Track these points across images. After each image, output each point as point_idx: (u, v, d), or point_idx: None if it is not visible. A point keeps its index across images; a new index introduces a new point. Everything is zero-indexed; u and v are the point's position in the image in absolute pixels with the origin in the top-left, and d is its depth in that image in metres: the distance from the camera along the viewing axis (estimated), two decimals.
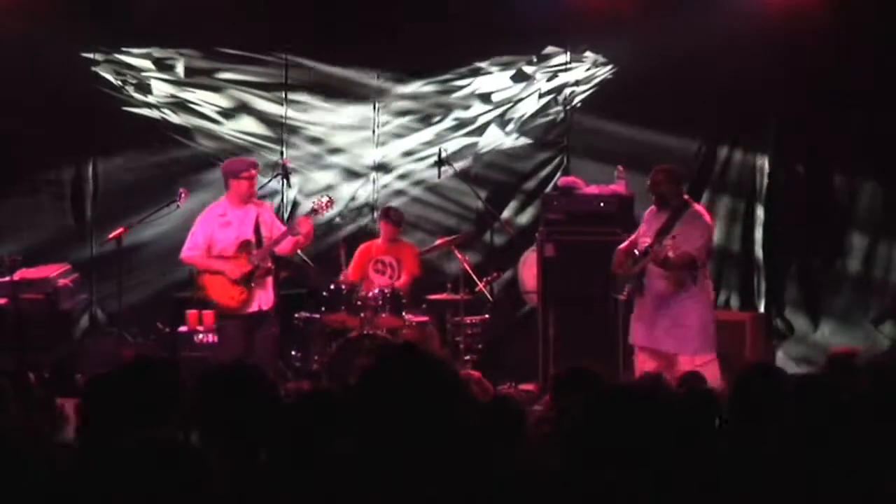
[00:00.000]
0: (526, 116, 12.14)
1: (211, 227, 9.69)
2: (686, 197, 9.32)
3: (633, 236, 9.54)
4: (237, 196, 9.67)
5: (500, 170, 12.20)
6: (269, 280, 9.76)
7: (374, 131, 12.30)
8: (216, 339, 10.61)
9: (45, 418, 5.68)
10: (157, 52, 12.24)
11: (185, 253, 9.79)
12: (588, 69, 12.02)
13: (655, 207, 9.34)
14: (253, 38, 12.18)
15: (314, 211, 9.89)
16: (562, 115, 12.09)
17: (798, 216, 11.63)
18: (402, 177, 12.34)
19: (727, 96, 11.46)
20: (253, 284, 9.61)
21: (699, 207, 9.32)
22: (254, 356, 9.50)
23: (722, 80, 11.37)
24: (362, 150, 12.38)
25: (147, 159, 12.23)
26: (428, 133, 12.30)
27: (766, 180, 11.67)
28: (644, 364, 9.20)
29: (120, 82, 12.24)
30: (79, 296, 11.82)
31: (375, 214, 12.07)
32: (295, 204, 12.12)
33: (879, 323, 11.46)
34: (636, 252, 9.21)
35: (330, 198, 10.09)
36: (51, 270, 11.30)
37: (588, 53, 11.95)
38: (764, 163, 11.70)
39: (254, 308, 9.64)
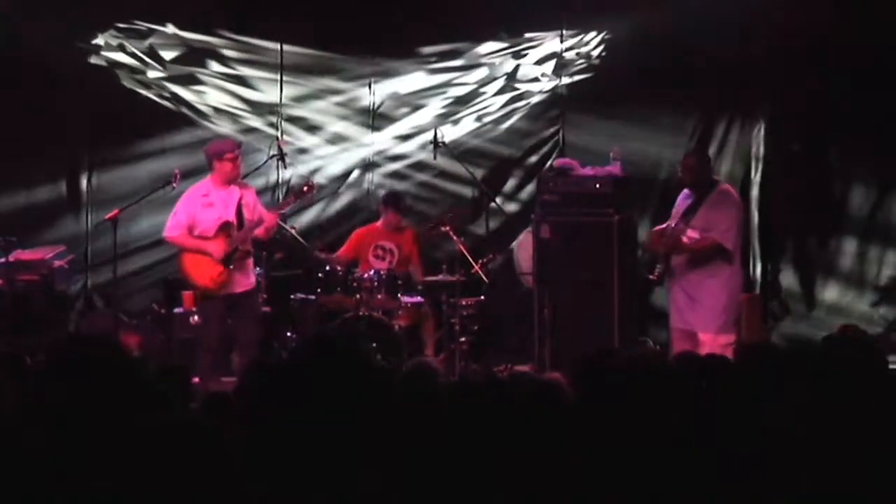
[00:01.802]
0: (526, 94, 12.10)
1: (194, 208, 9.68)
2: (716, 177, 9.37)
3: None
4: (221, 177, 9.66)
5: (496, 149, 12.14)
6: (249, 263, 9.76)
7: (370, 113, 12.23)
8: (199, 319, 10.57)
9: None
10: (150, 34, 12.13)
11: (168, 232, 9.80)
12: (580, 45, 11.96)
13: (687, 190, 9.39)
14: (247, 20, 12.12)
15: (294, 195, 9.89)
16: (557, 92, 12.02)
17: (794, 196, 11.56)
18: (397, 158, 12.26)
19: (724, 74, 11.44)
20: (232, 266, 9.58)
21: (726, 188, 9.36)
22: (235, 338, 9.62)
23: (718, 58, 11.37)
24: (358, 131, 12.29)
25: (142, 140, 12.13)
26: (424, 114, 12.21)
27: (761, 161, 11.60)
28: (677, 344, 9.27)
29: (114, 63, 12.12)
30: (74, 277, 11.77)
31: (370, 196, 12.07)
32: (290, 186, 11.98)
33: (875, 305, 11.45)
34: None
35: (310, 183, 10.05)
36: (46, 252, 11.29)
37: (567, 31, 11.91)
38: (760, 141, 11.62)
39: (231, 290, 9.62)
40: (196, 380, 9.02)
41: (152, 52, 12.12)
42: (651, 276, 9.61)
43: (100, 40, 12.08)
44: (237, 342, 9.79)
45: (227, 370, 9.90)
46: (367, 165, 12.22)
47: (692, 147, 10.98)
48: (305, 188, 9.97)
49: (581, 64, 11.94)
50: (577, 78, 11.97)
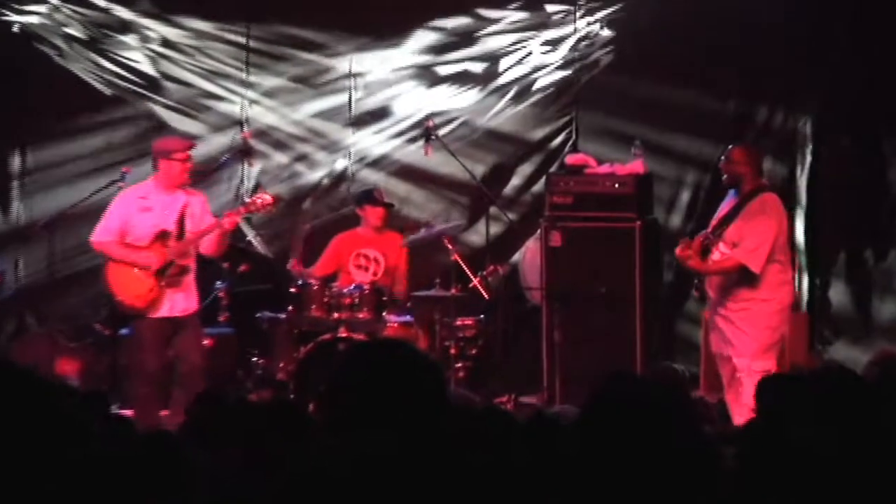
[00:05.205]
0: (532, 78, 11.34)
1: (128, 211, 9.16)
2: (763, 181, 8.96)
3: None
4: (165, 179, 9.14)
5: (499, 143, 11.40)
6: (189, 282, 9.18)
7: (349, 105, 11.51)
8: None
9: None
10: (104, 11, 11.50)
11: (96, 237, 9.21)
12: (598, 21, 11.26)
13: (733, 190, 9.00)
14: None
15: (246, 206, 9.37)
16: (572, 76, 11.31)
17: (846, 200, 10.80)
18: (379, 158, 11.52)
19: (765, 55, 10.74)
20: (164, 283, 9.00)
21: (769, 197, 8.84)
22: (175, 369, 9.06)
23: (758, 42, 10.73)
24: (335, 127, 11.60)
25: (84, 132, 11.48)
26: (411, 103, 11.45)
27: (808, 160, 10.86)
28: (721, 369, 9.02)
29: (53, 44, 11.49)
30: (4, 293, 11.36)
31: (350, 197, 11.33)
32: (256, 187, 11.35)
33: None
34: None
35: (273, 197, 9.54)
36: None
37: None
38: (806, 133, 10.87)
39: (164, 312, 9.02)
40: (129, 412, 8.61)
41: (104, 29, 11.55)
42: (695, 293, 9.31)
43: (34, 10, 11.52)
44: (177, 373, 9.14)
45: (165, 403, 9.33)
46: (347, 168, 11.58)
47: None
48: (262, 201, 9.39)
49: (599, 44, 11.27)
50: (594, 59, 11.31)
